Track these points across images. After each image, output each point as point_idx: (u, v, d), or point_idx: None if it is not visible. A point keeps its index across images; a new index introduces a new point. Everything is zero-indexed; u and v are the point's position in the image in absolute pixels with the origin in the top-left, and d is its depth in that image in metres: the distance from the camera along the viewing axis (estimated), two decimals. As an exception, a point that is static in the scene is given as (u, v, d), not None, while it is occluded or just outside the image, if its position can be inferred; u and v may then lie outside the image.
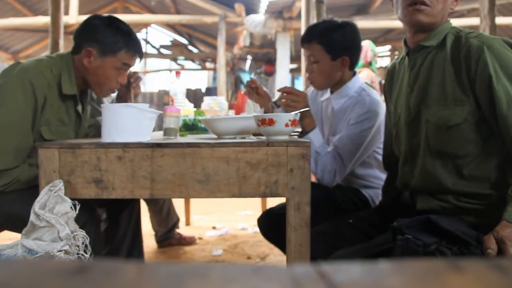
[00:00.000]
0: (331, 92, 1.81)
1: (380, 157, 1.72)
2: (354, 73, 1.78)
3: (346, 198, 1.75)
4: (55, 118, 1.57)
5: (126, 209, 2.06)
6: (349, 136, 1.65)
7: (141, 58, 1.67)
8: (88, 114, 1.76)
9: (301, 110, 1.48)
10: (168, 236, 2.80)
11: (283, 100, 1.58)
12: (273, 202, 2.04)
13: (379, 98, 1.73)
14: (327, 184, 1.69)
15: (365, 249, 1.24)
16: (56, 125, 1.57)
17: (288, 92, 1.58)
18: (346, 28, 1.72)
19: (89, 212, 1.36)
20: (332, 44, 1.68)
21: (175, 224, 2.83)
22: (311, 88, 1.99)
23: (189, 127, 1.85)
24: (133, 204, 2.09)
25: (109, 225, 2.04)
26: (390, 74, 1.48)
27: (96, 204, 1.69)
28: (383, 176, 1.73)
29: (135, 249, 2.09)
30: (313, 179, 1.83)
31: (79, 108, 1.65)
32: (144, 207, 2.70)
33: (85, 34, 1.60)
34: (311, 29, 1.76)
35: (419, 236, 1.07)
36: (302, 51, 1.83)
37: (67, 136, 1.61)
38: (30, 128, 1.49)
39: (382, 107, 1.68)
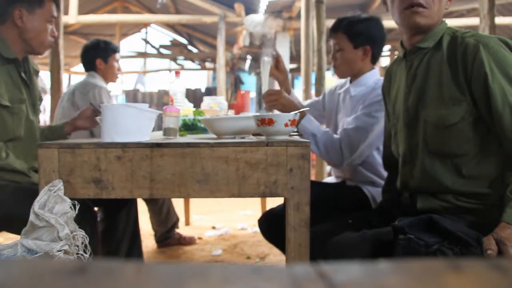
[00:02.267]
0: (350, 82, 1.90)
1: None
2: (374, 68, 1.88)
3: (345, 197, 1.76)
4: (4, 89, 1.61)
5: (123, 209, 2.06)
6: (362, 114, 1.71)
7: (58, 6, 1.78)
8: (37, 86, 1.81)
9: (300, 110, 1.50)
10: (168, 236, 2.80)
11: (265, 104, 1.70)
12: (273, 202, 2.05)
13: None
14: (336, 163, 1.74)
15: (370, 235, 1.25)
16: (6, 90, 1.62)
17: (265, 95, 1.71)
18: (371, 21, 1.84)
19: (84, 210, 1.36)
20: (355, 33, 1.81)
21: (175, 224, 2.83)
22: (332, 87, 2.09)
23: (189, 127, 1.85)
24: (130, 204, 2.09)
25: (107, 225, 2.05)
26: (388, 76, 1.49)
27: (92, 202, 1.71)
28: None
29: (134, 248, 2.09)
30: (313, 177, 1.82)
31: (24, 75, 1.71)
32: (143, 207, 2.70)
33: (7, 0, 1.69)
34: (339, 20, 1.89)
35: (421, 236, 1.07)
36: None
37: (21, 101, 1.66)
38: None
39: None
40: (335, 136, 1.72)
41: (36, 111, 1.77)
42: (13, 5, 1.65)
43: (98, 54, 2.61)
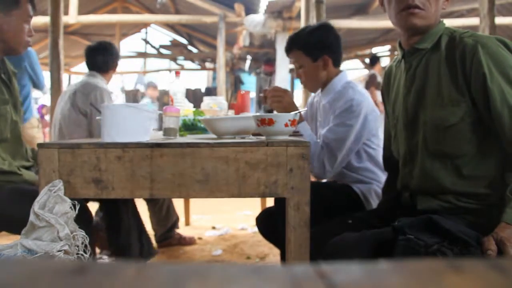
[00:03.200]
0: (322, 91, 1.89)
1: (371, 151, 1.79)
2: (341, 71, 1.87)
3: (338, 196, 1.77)
4: None
5: (121, 203, 2.09)
6: (336, 126, 1.71)
7: (34, 7, 1.77)
8: (16, 87, 1.82)
9: (299, 111, 1.51)
10: (168, 236, 2.80)
11: (269, 100, 1.69)
12: (273, 202, 2.05)
13: (364, 91, 1.81)
14: (319, 175, 1.74)
15: (370, 235, 1.25)
16: None
17: (271, 90, 1.70)
18: (320, 30, 1.82)
19: (79, 209, 1.37)
20: (309, 47, 1.80)
21: (175, 224, 2.83)
22: (312, 96, 2.10)
23: (189, 127, 1.85)
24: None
25: (110, 222, 2.07)
26: (387, 77, 1.48)
27: (86, 199, 1.72)
28: (375, 169, 1.79)
29: (143, 235, 2.14)
30: (313, 178, 1.84)
31: (3, 76, 1.71)
32: (143, 207, 2.70)
33: None
34: (290, 39, 1.87)
35: (421, 236, 1.07)
36: None
37: (4, 102, 1.66)
38: None
39: (367, 99, 1.75)
40: (321, 149, 1.72)
41: (18, 111, 1.78)
42: None
43: (107, 55, 2.63)
